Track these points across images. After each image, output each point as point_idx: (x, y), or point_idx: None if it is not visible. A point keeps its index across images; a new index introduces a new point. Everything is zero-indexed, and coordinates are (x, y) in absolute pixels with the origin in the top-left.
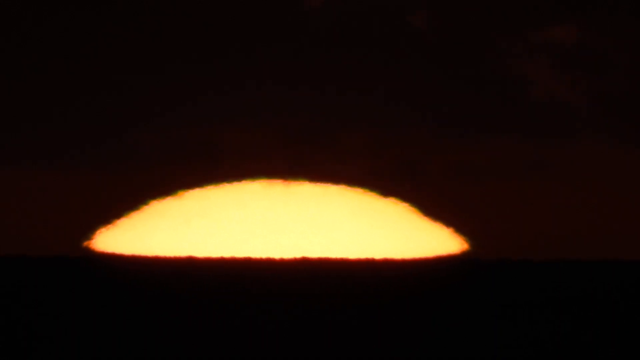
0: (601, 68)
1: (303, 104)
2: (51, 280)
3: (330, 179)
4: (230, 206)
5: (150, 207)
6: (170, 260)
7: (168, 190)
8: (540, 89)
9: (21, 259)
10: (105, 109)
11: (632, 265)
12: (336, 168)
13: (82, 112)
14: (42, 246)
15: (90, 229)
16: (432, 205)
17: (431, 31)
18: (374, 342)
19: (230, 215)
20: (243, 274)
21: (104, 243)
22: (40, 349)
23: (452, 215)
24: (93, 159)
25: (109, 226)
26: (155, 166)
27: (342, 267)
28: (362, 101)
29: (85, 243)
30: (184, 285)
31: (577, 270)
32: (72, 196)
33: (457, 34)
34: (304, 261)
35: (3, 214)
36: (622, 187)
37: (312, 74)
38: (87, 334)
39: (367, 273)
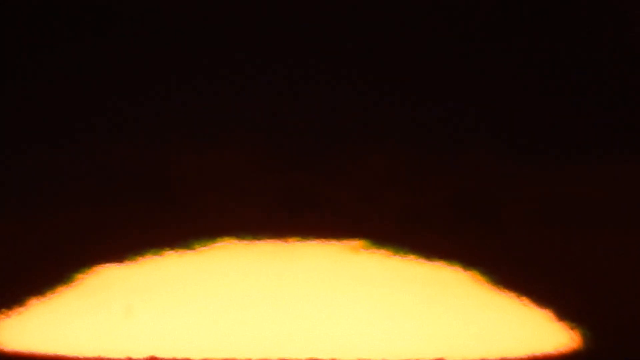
0: None
1: (300, 112)
2: None
3: (342, 230)
4: (197, 286)
5: (77, 282)
6: None
7: (105, 255)
8: None
9: None
10: None
11: None
12: (350, 208)
13: None
14: None
15: None
16: (513, 273)
17: None
18: None
19: (200, 300)
20: None
21: (7, 338)
22: None
23: (549, 290)
24: None
25: (13, 313)
26: (80, 210)
27: None
28: (386, 106)
29: None
30: None
31: None
32: None
33: None
34: None
35: None
36: None
37: (313, 68)
38: None
39: None
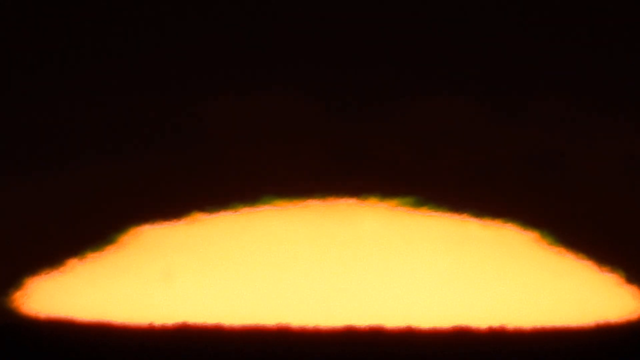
0: None
1: (352, 58)
2: None
3: (397, 188)
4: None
5: (117, 244)
6: (158, 330)
7: (144, 215)
8: None
9: None
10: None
11: None
12: (406, 164)
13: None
14: None
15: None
16: (581, 234)
17: None
18: None
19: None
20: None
21: (42, 302)
22: None
23: (621, 250)
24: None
25: (50, 274)
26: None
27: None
28: (445, 53)
29: (11, 302)
30: None
31: None
32: None
33: None
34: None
35: None
36: None
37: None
38: None
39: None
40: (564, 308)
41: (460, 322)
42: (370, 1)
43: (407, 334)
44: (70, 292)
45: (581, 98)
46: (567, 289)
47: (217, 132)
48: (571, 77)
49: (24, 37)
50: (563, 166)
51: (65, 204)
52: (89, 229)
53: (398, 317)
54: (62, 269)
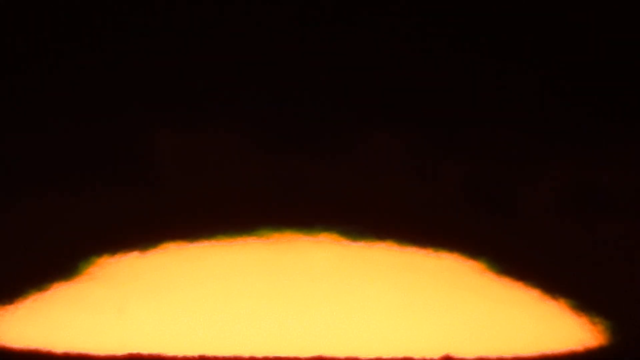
0: None
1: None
2: None
3: (343, 218)
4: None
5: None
6: None
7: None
8: None
9: None
10: None
11: None
12: (351, 195)
13: None
14: None
15: None
16: (527, 264)
17: None
18: None
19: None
20: None
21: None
22: None
23: (566, 282)
24: None
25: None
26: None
27: None
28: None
29: None
30: None
31: None
32: None
33: None
34: None
35: None
36: None
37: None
38: None
39: None
40: (510, 338)
41: (406, 353)
42: (311, 35)
43: None
44: (30, 324)
45: (527, 126)
46: (513, 319)
47: (165, 165)
48: (514, 104)
49: None
50: (508, 195)
51: (23, 236)
52: (50, 260)
53: (343, 347)
54: (21, 300)
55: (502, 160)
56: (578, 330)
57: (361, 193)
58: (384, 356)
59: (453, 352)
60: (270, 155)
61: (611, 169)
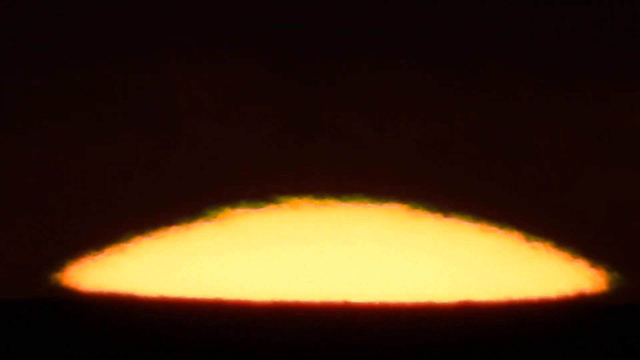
0: None
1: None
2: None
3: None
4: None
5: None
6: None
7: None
8: None
9: None
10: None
11: None
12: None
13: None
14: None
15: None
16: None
17: None
18: None
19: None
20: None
21: (83, 280)
22: None
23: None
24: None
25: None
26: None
27: (425, 314)
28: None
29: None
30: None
31: None
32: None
33: None
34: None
35: None
36: None
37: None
38: None
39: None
40: (521, 283)
41: (430, 298)
42: None
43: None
44: (132, 270)
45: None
46: (524, 265)
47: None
48: (526, 44)
49: None
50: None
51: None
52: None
53: (357, 294)
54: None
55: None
56: (584, 276)
57: (373, 134)
58: (410, 300)
59: (472, 297)
60: (278, 95)
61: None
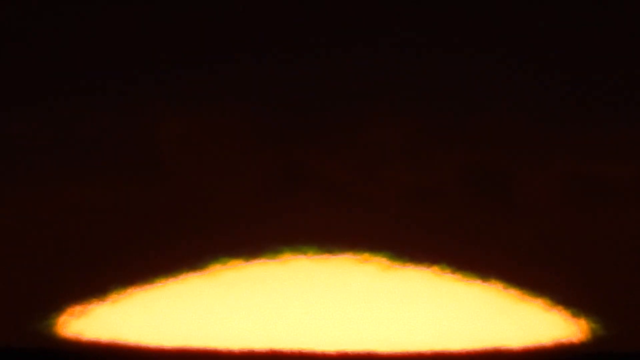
0: None
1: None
2: None
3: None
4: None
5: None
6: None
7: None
8: None
9: None
10: None
11: None
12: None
13: None
14: None
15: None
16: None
17: None
18: None
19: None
20: None
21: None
22: None
23: (547, 279)
24: None
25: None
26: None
27: None
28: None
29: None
30: None
31: None
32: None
33: None
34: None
35: None
36: None
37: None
38: None
39: None
40: (496, 332)
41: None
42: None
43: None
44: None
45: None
46: (498, 314)
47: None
48: (512, 93)
49: None
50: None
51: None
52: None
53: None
54: (115, 297)
55: (503, 149)
56: (561, 325)
57: (360, 182)
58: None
59: (447, 346)
60: (269, 149)
61: (610, 159)
